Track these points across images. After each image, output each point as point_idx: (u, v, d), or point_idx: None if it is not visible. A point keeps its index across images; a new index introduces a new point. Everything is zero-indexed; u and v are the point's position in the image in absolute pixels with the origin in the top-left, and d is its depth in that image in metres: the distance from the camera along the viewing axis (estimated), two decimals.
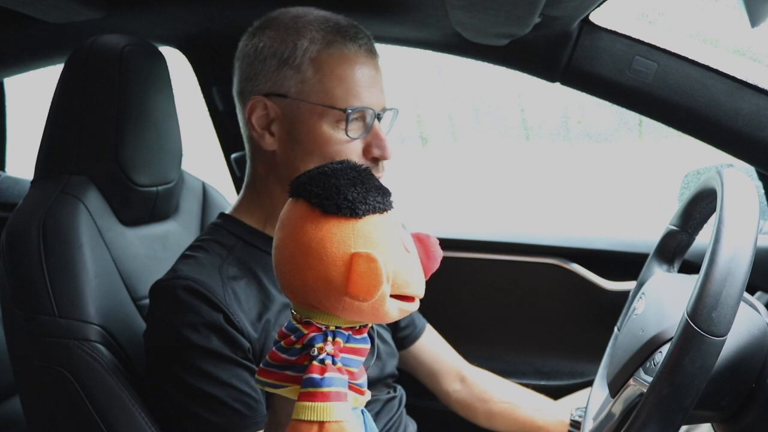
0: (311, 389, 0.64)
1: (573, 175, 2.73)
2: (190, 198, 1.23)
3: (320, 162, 0.90)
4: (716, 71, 1.09)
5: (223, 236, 0.98)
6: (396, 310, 0.67)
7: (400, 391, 1.14)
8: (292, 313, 0.71)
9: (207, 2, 1.24)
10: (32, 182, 1.06)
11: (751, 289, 0.99)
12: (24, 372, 0.96)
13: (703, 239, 0.86)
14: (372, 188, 0.67)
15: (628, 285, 1.40)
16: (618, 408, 0.81)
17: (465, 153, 2.85)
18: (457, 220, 1.88)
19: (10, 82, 1.94)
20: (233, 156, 1.56)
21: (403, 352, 1.22)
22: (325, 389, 0.64)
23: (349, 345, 0.69)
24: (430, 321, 1.29)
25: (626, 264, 1.34)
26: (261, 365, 0.70)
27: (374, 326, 1.06)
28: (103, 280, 0.97)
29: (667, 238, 0.96)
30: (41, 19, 1.18)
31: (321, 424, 0.63)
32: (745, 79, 1.08)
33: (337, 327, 0.68)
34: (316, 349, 0.66)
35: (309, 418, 0.63)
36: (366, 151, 0.96)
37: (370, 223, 0.66)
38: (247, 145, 1.02)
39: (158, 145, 1.09)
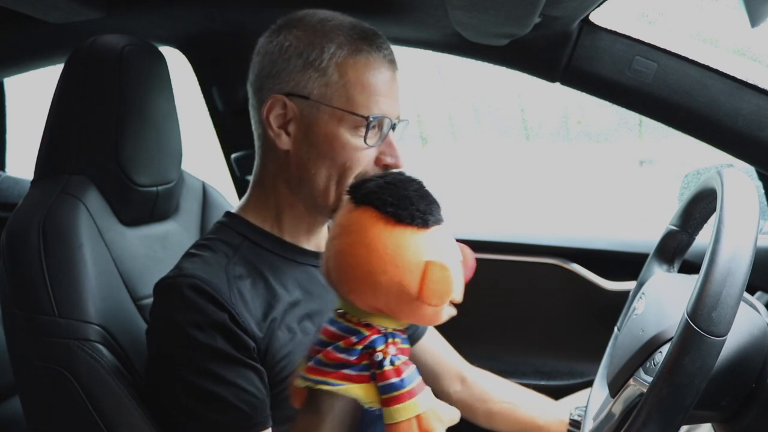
0: (395, 393, 0.70)
1: (573, 175, 2.73)
2: (190, 198, 1.23)
3: (332, 166, 0.94)
4: (716, 71, 1.09)
5: (229, 235, 0.98)
6: (446, 315, 0.73)
7: None
8: (340, 313, 0.75)
9: (207, 2, 1.24)
10: (32, 182, 1.05)
11: (751, 289, 0.99)
12: (24, 372, 0.96)
13: (703, 239, 0.86)
14: (433, 202, 0.73)
15: (628, 285, 1.40)
16: (618, 408, 0.81)
17: (465, 153, 2.85)
18: (457, 220, 1.88)
19: (10, 82, 1.94)
20: (233, 156, 1.56)
21: None
22: (408, 388, 0.70)
23: (402, 345, 0.74)
24: None
25: (626, 264, 1.34)
26: (309, 364, 0.74)
27: None
28: (103, 280, 0.97)
29: (667, 238, 0.96)
30: (41, 19, 1.18)
31: (417, 417, 0.70)
32: (745, 79, 1.08)
33: (394, 329, 0.74)
34: (380, 354, 0.71)
35: (405, 417, 0.69)
36: (378, 159, 0.97)
37: (436, 233, 0.72)
38: (258, 143, 1.01)
39: (158, 145, 1.09)
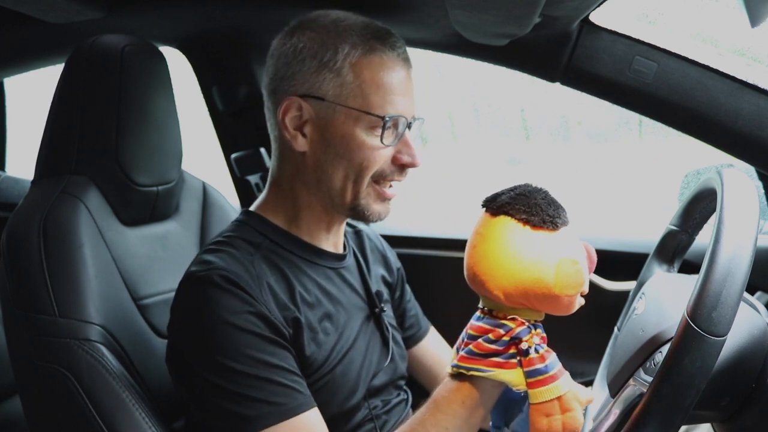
0: (540, 377, 0.79)
1: (573, 175, 2.73)
2: (190, 198, 1.23)
3: (349, 166, 0.94)
4: (716, 71, 1.09)
5: (250, 233, 0.98)
6: (578, 305, 0.82)
7: (409, 394, 1.14)
8: (486, 310, 0.84)
9: (207, 2, 1.24)
10: (32, 182, 1.06)
11: (751, 289, 0.99)
12: (24, 372, 0.96)
13: (703, 239, 0.86)
14: (560, 207, 0.82)
15: (628, 285, 1.40)
16: (618, 408, 0.81)
17: (465, 153, 2.84)
18: (458, 220, 1.88)
19: (10, 82, 1.94)
20: (233, 156, 1.56)
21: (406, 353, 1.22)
22: (551, 372, 0.79)
23: (542, 334, 0.83)
24: (430, 321, 1.29)
25: (626, 264, 1.33)
26: (462, 353, 0.84)
27: (389, 328, 1.08)
28: (103, 280, 0.97)
29: (667, 238, 0.96)
30: (41, 19, 1.18)
31: (559, 398, 0.79)
32: (745, 79, 1.08)
33: (535, 320, 0.83)
34: (525, 343, 0.80)
35: (548, 398, 0.79)
36: (395, 158, 0.96)
37: (565, 233, 0.80)
38: (274, 145, 1.01)
39: (158, 145, 1.09)
